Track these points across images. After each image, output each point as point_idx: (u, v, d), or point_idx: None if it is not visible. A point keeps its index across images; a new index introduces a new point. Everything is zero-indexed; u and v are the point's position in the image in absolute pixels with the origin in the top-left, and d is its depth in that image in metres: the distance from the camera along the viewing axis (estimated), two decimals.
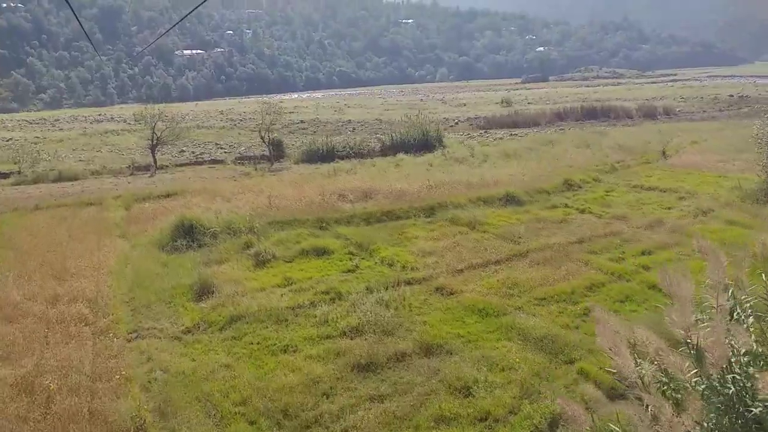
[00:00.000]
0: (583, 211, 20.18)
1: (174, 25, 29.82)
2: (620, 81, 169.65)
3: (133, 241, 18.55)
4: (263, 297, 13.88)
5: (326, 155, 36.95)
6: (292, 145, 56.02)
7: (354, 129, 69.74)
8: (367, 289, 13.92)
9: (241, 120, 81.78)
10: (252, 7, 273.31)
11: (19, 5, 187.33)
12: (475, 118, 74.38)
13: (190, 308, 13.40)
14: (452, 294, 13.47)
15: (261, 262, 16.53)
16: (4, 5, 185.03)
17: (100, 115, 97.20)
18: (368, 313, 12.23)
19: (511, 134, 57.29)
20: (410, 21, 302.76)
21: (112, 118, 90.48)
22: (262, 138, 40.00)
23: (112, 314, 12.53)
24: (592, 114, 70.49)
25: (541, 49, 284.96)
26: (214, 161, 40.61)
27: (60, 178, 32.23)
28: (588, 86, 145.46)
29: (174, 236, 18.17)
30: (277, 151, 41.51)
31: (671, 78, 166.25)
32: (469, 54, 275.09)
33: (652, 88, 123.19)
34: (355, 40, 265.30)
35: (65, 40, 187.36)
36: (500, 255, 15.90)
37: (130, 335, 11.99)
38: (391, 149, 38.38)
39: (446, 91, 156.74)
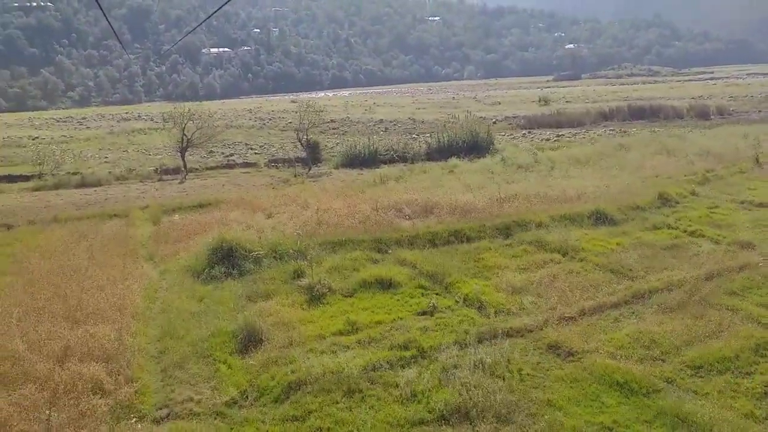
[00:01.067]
0: (693, 234, 16.81)
1: (200, 24, 27.43)
2: (656, 79, 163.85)
3: (162, 266, 15.79)
4: (325, 349, 10.96)
5: (368, 159, 34.01)
6: (325, 146, 53.24)
7: (387, 129, 66.82)
8: (457, 343, 10.87)
9: (271, 119, 79.31)
10: (277, 5, 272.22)
11: (49, 4, 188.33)
12: (514, 117, 70.90)
13: (234, 366, 10.51)
14: (572, 355, 10.35)
15: (316, 297, 13.60)
16: (34, 4, 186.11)
17: (127, 113, 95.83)
18: (469, 384, 9.19)
19: (558, 135, 53.73)
20: (437, 18, 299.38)
21: (139, 116, 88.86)
22: (299, 140, 37.11)
23: (137, 380, 9.67)
24: (639, 114, 66.43)
25: (571, 46, 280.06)
26: (247, 164, 37.96)
27: (83, 184, 29.85)
28: (624, 84, 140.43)
29: (211, 261, 15.36)
30: (313, 154, 38.68)
31: (709, 76, 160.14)
32: (497, 52, 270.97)
33: (694, 86, 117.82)
34: (380, 37, 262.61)
35: (94, 39, 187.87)
36: (615, 295, 12.70)
37: (159, 412, 9.13)
38: (438, 153, 35.26)
39: (476, 90, 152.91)
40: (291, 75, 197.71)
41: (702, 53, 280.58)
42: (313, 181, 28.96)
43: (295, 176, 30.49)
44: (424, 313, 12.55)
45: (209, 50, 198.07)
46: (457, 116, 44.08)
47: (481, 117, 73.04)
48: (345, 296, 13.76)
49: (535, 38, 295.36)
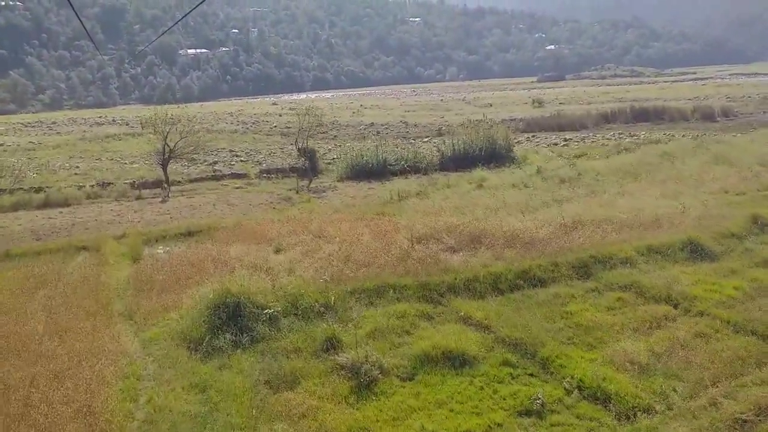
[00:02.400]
0: None
1: (176, 23, 23.93)
2: (641, 80, 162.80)
3: (147, 331, 11.75)
4: None
5: (377, 170, 30.11)
6: (317, 152, 49.27)
7: (378, 132, 63.19)
8: None
9: (254, 123, 74.91)
10: (256, 5, 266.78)
11: (18, 3, 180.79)
12: (511, 120, 67.66)
13: None
14: None
15: (364, 383, 9.73)
16: (3, 3, 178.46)
17: (100, 117, 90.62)
18: None
19: (565, 139, 50.54)
20: (417, 19, 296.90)
21: (113, 120, 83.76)
22: (298, 149, 33.00)
23: None
24: (643, 116, 63.69)
25: (552, 47, 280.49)
26: (235, 175, 33.84)
27: (47, 204, 25.39)
28: (611, 85, 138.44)
29: (212, 325, 11.40)
30: (310, 163, 34.69)
31: (692, 76, 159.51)
32: (479, 53, 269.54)
33: (683, 86, 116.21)
34: (361, 38, 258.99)
35: (66, 39, 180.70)
36: None
37: None
38: (452, 162, 31.54)
39: (461, 91, 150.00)
40: (271, 76, 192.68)
41: (680, 53, 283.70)
42: (318, 198, 25.02)
43: (297, 192, 26.47)
44: (528, 413, 8.75)
45: (186, 51, 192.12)
46: (471, 120, 40.16)
47: (475, 120, 69.88)
48: (403, 380, 9.91)
49: (516, 39, 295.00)
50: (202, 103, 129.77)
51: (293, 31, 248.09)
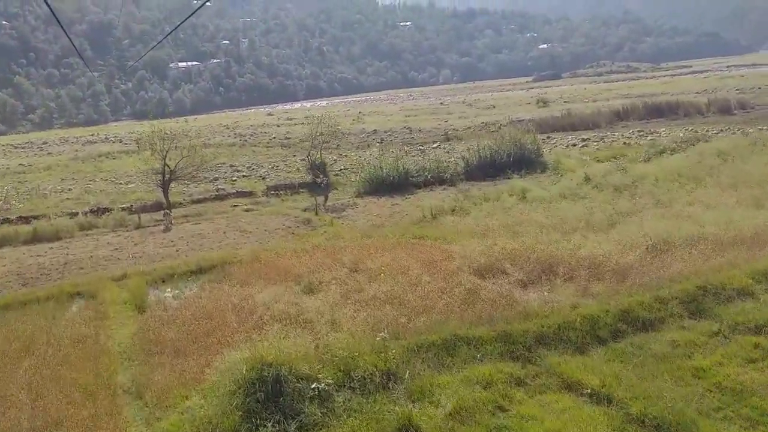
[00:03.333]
0: None
1: (165, 36, 21.93)
2: (638, 75, 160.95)
3: (163, 419, 9.04)
4: None
5: (398, 183, 27.40)
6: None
7: (383, 140, 60.64)
8: None
9: (252, 135, 72.22)
10: (246, 15, 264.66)
11: (4, 22, 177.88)
12: (520, 121, 65.23)
13: None
14: None
15: None
16: None
17: (92, 135, 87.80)
18: None
19: (583, 140, 48.16)
20: (408, 24, 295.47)
21: (106, 138, 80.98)
22: (311, 164, 30.33)
23: None
24: (657, 112, 61.28)
25: (544, 46, 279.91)
26: (241, 193, 31.15)
27: (36, 238, 22.54)
28: (612, 81, 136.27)
29: (248, 409, 8.71)
30: (325, 178, 32.05)
31: (689, 70, 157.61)
32: (471, 54, 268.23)
33: (686, 80, 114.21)
34: (353, 44, 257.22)
35: (54, 57, 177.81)
36: None
37: None
38: (479, 170, 28.89)
39: (457, 93, 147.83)
40: (264, 87, 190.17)
41: (674, 47, 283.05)
42: (339, 218, 22.33)
43: (316, 213, 23.70)
44: None
45: (177, 64, 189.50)
46: (492, 123, 37.53)
47: (482, 122, 67.35)
48: None
49: (508, 39, 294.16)
50: (195, 116, 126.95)
51: (284, 40, 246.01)
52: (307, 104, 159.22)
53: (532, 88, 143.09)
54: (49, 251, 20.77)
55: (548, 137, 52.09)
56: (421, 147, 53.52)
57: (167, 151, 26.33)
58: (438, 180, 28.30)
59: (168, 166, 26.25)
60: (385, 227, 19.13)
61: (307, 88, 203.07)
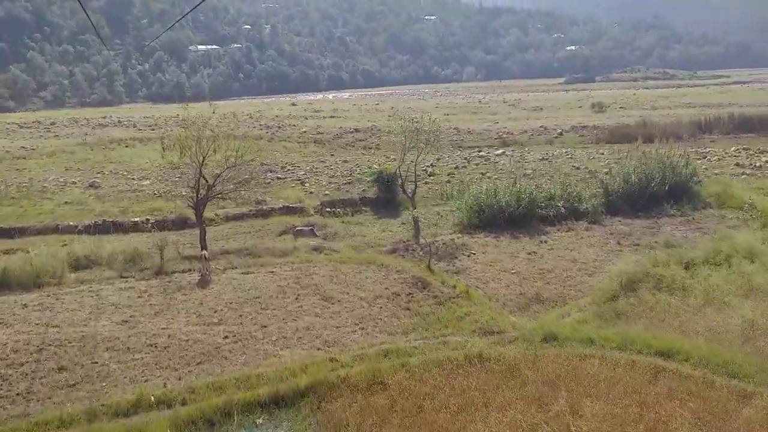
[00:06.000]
0: None
1: (184, 15, 15.94)
2: (678, 83, 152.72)
3: None
4: None
5: (518, 216, 19.93)
6: (368, 169, 39.78)
7: (428, 141, 52.71)
8: None
9: (279, 127, 65.12)
10: (267, 1, 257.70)
11: None
12: (582, 128, 58.04)
13: None
14: None
15: None
16: None
17: (104, 117, 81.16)
18: None
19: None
20: (433, 17, 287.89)
21: (119, 121, 74.32)
22: (391, 177, 23.19)
23: None
24: (747, 125, 53.72)
25: (572, 47, 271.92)
26: (289, 209, 24.22)
27: (4, 283, 15.27)
28: (659, 88, 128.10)
29: None
30: (387, 193, 25.03)
31: (728, 80, 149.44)
32: (497, 52, 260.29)
33: (742, 90, 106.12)
34: (375, 35, 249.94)
35: (69, 33, 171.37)
36: None
37: None
38: (624, 201, 21.43)
39: (487, 92, 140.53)
40: (285, 75, 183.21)
41: (704, 56, 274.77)
42: (457, 274, 15.00)
43: (429, 268, 15.92)
44: None
45: (197, 47, 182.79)
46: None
47: (541, 127, 60.12)
48: None
49: (534, 39, 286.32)
50: (215, 102, 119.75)
51: (306, 28, 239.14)
52: (330, 95, 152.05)
53: (568, 90, 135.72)
54: (17, 314, 13.39)
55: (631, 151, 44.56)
56: (480, 152, 46.54)
57: (204, 157, 18.90)
58: (573, 213, 21.10)
59: (205, 178, 18.96)
60: (553, 308, 11.96)
61: (329, 79, 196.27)
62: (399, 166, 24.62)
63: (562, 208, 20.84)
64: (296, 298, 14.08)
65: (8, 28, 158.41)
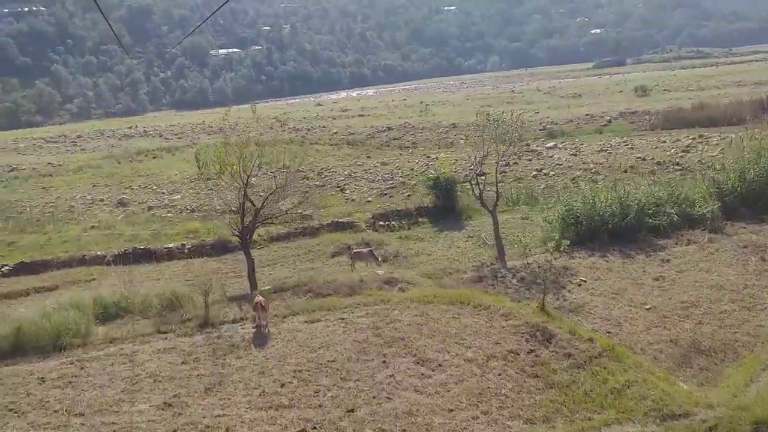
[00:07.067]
0: None
1: (205, 20, 12.61)
2: (717, 60, 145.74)
3: None
4: None
5: (623, 230, 16.11)
6: (402, 169, 36.77)
7: (467, 137, 49.22)
8: None
9: (308, 129, 62.42)
10: (286, 1, 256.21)
11: (42, 8, 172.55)
12: (631, 114, 54.18)
13: None
14: None
15: None
16: (26, 9, 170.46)
17: (130, 128, 79.60)
18: None
19: None
20: (453, 8, 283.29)
21: (145, 131, 72.64)
22: (473, 181, 19.99)
23: None
24: None
25: (597, 31, 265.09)
26: (339, 225, 21.44)
27: (17, 350, 12.36)
28: (696, 67, 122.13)
29: None
30: (446, 201, 22.08)
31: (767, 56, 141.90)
32: (521, 39, 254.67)
33: None
34: (396, 30, 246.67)
35: (92, 44, 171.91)
36: None
37: None
38: (742, 203, 17.69)
39: (516, 80, 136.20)
40: (308, 74, 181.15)
41: (735, 33, 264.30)
42: (571, 312, 11.68)
43: (543, 309, 12.01)
44: None
45: (218, 51, 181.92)
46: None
47: (587, 114, 56.42)
48: None
49: (558, 24, 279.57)
50: (239, 106, 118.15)
51: (326, 26, 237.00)
52: (353, 93, 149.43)
53: (600, 75, 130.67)
54: (32, 395, 9.91)
55: (700, 135, 40.60)
56: (527, 146, 42.91)
57: (249, 174, 15.53)
58: (689, 220, 17.68)
59: (251, 201, 15.63)
60: (723, 363, 8.74)
61: (351, 76, 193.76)
62: (476, 171, 21.12)
63: (675, 216, 17.54)
64: (383, 362, 10.99)
65: (32, 42, 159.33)
